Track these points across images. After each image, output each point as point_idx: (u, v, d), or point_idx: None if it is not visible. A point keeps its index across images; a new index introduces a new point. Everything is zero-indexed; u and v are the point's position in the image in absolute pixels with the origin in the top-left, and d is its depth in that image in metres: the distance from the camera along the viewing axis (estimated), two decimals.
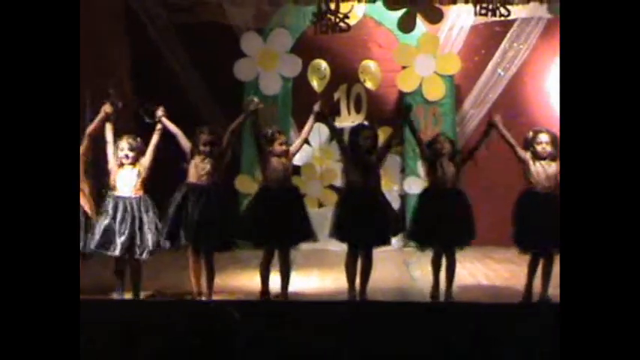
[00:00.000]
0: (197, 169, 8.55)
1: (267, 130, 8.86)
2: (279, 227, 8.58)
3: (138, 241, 8.53)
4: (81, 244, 8.54)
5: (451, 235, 8.62)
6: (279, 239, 8.70)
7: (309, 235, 8.77)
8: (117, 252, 8.51)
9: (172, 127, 8.71)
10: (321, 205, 12.37)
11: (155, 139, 8.73)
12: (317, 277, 10.17)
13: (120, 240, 8.49)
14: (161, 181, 8.54)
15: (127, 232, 8.51)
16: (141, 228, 8.56)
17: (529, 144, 8.59)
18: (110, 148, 8.73)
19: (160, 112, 8.76)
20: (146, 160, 8.69)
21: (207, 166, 8.56)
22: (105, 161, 8.80)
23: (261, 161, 8.81)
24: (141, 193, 8.69)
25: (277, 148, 8.70)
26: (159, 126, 8.74)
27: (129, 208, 8.58)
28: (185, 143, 8.64)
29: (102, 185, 8.91)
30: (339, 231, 8.67)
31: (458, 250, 8.75)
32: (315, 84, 12.35)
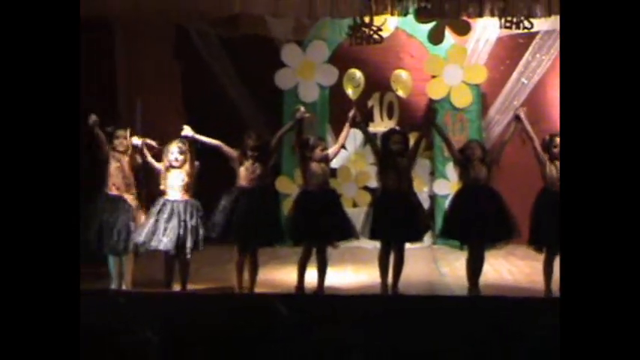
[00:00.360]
0: (247, 173, 8.57)
1: (308, 138, 8.88)
2: (319, 227, 8.57)
3: (181, 242, 8.58)
4: (131, 242, 8.77)
5: (487, 232, 8.56)
6: (320, 238, 8.70)
7: (350, 233, 8.78)
8: (161, 247, 8.61)
9: (211, 142, 8.73)
10: (355, 205, 12.32)
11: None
12: (351, 272, 10.13)
13: (165, 238, 8.56)
14: (211, 182, 8.57)
15: (172, 232, 8.58)
16: (185, 230, 8.59)
17: (547, 147, 8.56)
18: (155, 165, 8.88)
19: (187, 131, 8.73)
20: (187, 166, 8.74)
21: (257, 170, 8.58)
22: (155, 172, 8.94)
23: (302, 166, 8.81)
24: (187, 197, 8.74)
25: (318, 154, 8.71)
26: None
27: (175, 210, 8.65)
28: (229, 152, 8.67)
29: (153, 189, 8.98)
30: (373, 229, 8.65)
31: (500, 247, 8.75)
32: (350, 92, 12.30)
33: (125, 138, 8.98)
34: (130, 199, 8.93)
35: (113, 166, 8.90)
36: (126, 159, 8.94)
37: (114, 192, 8.91)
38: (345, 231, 8.75)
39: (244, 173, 8.58)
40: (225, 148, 8.68)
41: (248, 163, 8.57)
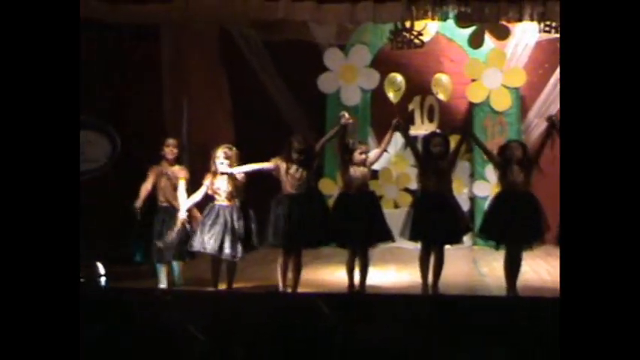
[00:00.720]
0: (293, 180, 8.49)
1: (348, 140, 8.85)
2: (358, 229, 8.56)
3: (228, 244, 8.59)
4: (184, 250, 8.84)
5: (523, 235, 8.50)
6: (359, 240, 8.68)
7: (386, 236, 8.74)
8: (205, 250, 8.66)
9: (248, 169, 8.66)
10: (396, 206, 12.30)
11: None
12: (394, 272, 10.12)
13: (210, 241, 8.60)
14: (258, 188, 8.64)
15: (217, 235, 8.61)
16: (232, 233, 8.62)
17: None
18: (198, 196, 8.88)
19: (224, 168, 8.62)
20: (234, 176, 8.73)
21: (303, 175, 8.51)
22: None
23: (342, 169, 8.77)
24: (234, 202, 8.74)
25: (357, 157, 8.67)
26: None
27: (221, 214, 8.67)
28: (269, 167, 8.58)
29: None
30: (413, 230, 8.62)
31: (534, 248, 8.67)
32: (391, 95, 12.25)
33: (175, 147, 9.06)
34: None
35: (163, 180, 8.99)
36: (175, 170, 9.00)
37: (165, 203, 8.99)
38: (381, 233, 8.71)
39: (290, 180, 8.50)
40: (265, 167, 8.60)
41: (293, 169, 8.48)
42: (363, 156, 8.72)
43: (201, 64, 12.36)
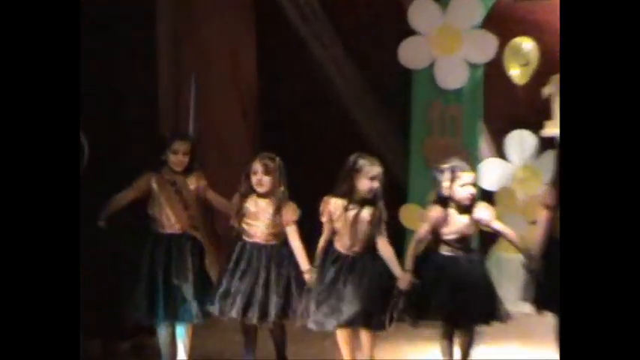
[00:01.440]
0: (351, 232, 8.24)
1: (443, 166, 8.41)
2: (450, 306, 8.26)
3: (261, 305, 8.46)
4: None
5: None
6: (456, 318, 8.42)
7: (496, 316, 8.40)
8: (228, 313, 8.54)
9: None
10: None
11: None
12: (517, 348, 10.03)
13: (238, 300, 8.51)
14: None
15: (247, 290, 8.50)
16: (266, 288, 8.48)
17: None
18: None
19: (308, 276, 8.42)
20: (279, 194, 8.57)
21: (365, 223, 8.20)
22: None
23: (430, 207, 8.46)
24: (275, 241, 8.59)
25: (459, 192, 8.29)
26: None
27: (255, 259, 8.57)
28: (328, 230, 8.33)
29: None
30: (540, 293, 8.40)
31: None
32: (514, 73, 11.82)
33: (186, 154, 8.94)
34: (199, 236, 8.96)
35: (164, 195, 8.89)
36: (188, 182, 8.95)
37: (170, 230, 8.85)
38: (487, 313, 8.41)
39: (347, 232, 8.23)
40: (327, 231, 8.35)
41: (353, 211, 8.20)
42: (469, 190, 8.33)
43: (217, 25, 12.35)
